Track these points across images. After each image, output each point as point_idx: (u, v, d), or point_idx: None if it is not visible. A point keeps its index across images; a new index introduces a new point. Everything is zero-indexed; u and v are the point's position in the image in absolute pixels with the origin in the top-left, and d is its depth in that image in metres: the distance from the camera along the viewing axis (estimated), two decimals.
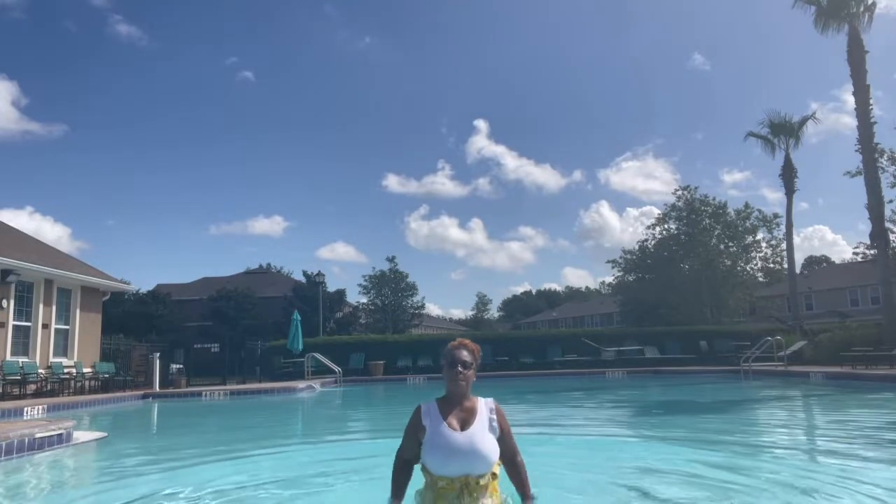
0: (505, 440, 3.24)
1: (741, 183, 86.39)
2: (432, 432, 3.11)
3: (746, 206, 36.62)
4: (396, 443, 3.27)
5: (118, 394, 16.31)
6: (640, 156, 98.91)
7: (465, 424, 3.14)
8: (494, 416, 3.22)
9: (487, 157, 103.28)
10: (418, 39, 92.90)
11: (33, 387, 15.56)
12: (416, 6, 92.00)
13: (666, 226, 37.80)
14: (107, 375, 17.89)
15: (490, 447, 3.10)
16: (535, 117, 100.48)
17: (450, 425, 3.12)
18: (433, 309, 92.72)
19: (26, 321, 16.33)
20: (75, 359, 17.63)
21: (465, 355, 3.23)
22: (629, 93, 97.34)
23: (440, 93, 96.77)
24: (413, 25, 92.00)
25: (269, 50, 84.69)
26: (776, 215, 35.69)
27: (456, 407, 3.20)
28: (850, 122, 71.11)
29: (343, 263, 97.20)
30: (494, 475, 3.13)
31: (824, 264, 70.51)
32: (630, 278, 41.33)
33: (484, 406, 3.25)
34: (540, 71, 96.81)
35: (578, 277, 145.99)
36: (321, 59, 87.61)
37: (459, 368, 3.19)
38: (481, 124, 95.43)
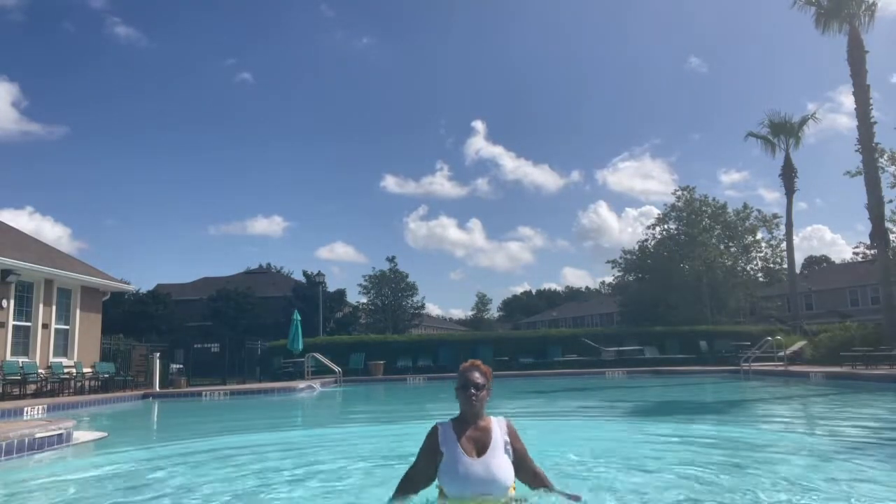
0: (522, 461, 3.30)
1: (739, 183, 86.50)
2: (449, 458, 3.15)
3: (745, 206, 36.65)
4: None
5: (118, 394, 16.32)
6: (638, 156, 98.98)
7: (481, 449, 3.18)
8: (508, 439, 3.27)
9: (485, 158, 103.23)
10: (416, 40, 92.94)
11: (33, 387, 15.55)
12: (413, 7, 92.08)
13: (666, 226, 37.80)
14: (107, 375, 17.88)
15: (506, 472, 3.16)
16: (533, 118, 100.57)
17: (466, 450, 3.16)
18: (433, 309, 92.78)
19: (26, 321, 16.32)
20: (75, 359, 17.63)
21: (477, 377, 3.28)
22: (626, 94, 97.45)
23: (438, 94, 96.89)
24: (411, 26, 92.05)
25: (268, 51, 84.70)
26: (775, 215, 35.70)
27: (470, 428, 3.25)
28: (846, 122, 71.29)
29: (342, 263, 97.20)
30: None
31: (824, 264, 70.52)
32: (630, 278, 41.28)
33: (498, 428, 3.29)
34: (538, 72, 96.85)
35: (578, 277, 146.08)
36: (319, 60, 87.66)
37: (472, 390, 3.24)
38: (479, 125, 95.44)
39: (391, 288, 52.19)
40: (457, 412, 3.36)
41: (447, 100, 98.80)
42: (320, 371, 22.72)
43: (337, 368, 22.06)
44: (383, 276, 52.26)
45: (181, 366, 24.42)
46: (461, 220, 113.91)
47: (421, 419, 11.50)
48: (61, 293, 17.66)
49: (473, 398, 3.23)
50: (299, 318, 23.85)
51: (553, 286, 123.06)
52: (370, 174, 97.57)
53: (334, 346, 25.93)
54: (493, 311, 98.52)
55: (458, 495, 3.10)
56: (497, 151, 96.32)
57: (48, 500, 4.58)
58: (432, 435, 3.27)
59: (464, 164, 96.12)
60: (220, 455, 6.69)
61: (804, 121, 30.27)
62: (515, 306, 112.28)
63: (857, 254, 54.42)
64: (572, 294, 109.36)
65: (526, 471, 3.31)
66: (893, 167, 25.00)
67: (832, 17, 22.26)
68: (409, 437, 8.10)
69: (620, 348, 25.87)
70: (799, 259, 45.12)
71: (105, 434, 8.03)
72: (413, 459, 3.33)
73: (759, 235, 36.19)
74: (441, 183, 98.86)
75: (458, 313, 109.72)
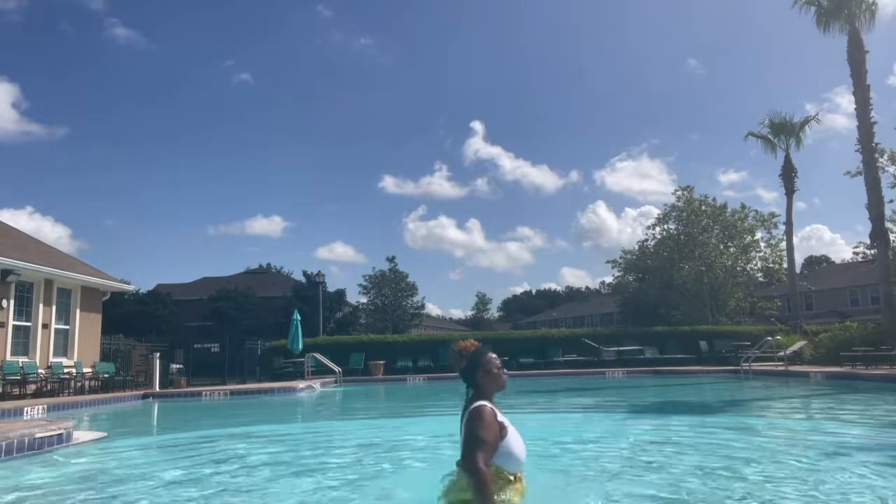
0: None
1: (737, 183, 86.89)
2: (511, 432, 3.16)
3: (742, 206, 36.58)
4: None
5: (118, 394, 16.30)
6: (636, 156, 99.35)
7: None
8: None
9: (484, 159, 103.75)
10: (414, 41, 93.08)
11: (33, 387, 15.55)
12: (411, 8, 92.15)
13: (665, 226, 37.73)
14: (107, 375, 17.87)
15: None
16: (531, 118, 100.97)
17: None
18: (432, 309, 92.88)
19: (26, 321, 16.32)
20: (75, 359, 17.62)
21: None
22: (624, 94, 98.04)
23: (436, 94, 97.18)
24: (409, 27, 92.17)
25: (267, 52, 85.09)
26: (773, 214, 35.68)
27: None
28: (843, 122, 71.75)
29: (342, 263, 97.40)
30: None
31: (824, 264, 70.54)
32: (630, 278, 41.23)
33: None
34: (536, 72, 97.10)
35: (577, 277, 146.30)
36: (318, 61, 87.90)
37: (505, 370, 3.37)
38: (478, 126, 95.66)
39: (391, 288, 52.14)
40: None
41: (446, 100, 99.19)
42: (320, 371, 22.71)
43: (337, 368, 22.05)
44: (383, 276, 52.23)
45: (181, 366, 24.41)
46: (460, 221, 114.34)
47: (421, 416, 11.51)
48: (61, 293, 17.65)
49: (506, 377, 3.35)
50: (299, 318, 23.85)
51: (553, 286, 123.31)
52: (369, 175, 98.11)
53: (334, 346, 25.91)
54: (493, 311, 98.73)
55: (517, 467, 3.16)
56: (496, 152, 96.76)
57: (48, 501, 4.57)
58: (491, 414, 3.10)
59: (463, 165, 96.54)
60: (220, 454, 6.69)
61: (806, 121, 30.26)
62: (515, 306, 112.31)
63: (857, 254, 54.54)
64: (572, 294, 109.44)
65: None
66: (893, 167, 25.01)
67: (832, 16, 22.26)
68: (410, 435, 8.11)
69: (620, 348, 25.86)
70: (799, 259, 45.16)
71: (105, 434, 8.02)
72: (475, 451, 2.91)
73: (757, 235, 36.17)
74: (440, 183, 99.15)
75: (458, 313, 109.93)
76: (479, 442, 2.95)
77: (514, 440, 3.13)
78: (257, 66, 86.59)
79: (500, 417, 3.15)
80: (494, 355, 3.36)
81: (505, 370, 3.34)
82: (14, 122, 73.11)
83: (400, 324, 50.57)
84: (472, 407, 3.13)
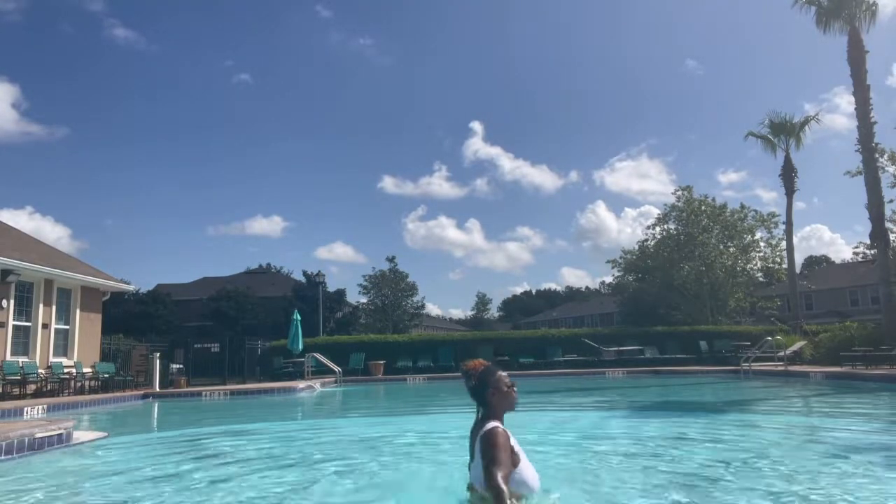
0: None
1: (736, 183, 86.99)
2: (523, 460, 3.09)
3: (742, 206, 36.55)
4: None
5: (118, 394, 16.30)
6: (635, 156, 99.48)
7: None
8: None
9: (483, 159, 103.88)
10: (413, 41, 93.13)
11: (33, 387, 15.55)
12: (410, 8, 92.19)
13: (665, 226, 37.69)
14: (107, 375, 17.86)
15: None
16: (531, 118, 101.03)
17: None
18: (432, 309, 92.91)
19: (26, 321, 16.32)
20: (75, 359, 17.62)
21: None
22: (623, 94, 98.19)
23: (436, 94, 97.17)
24: (408, 27, 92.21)
25: (266, 53, 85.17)
26: (773, 214, 35.65)
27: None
28: (843, 122, 71.88)
29: (341, 263, 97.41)
30: None
31: (824, 264, 70.52)
32: (630, 278, 41.19)
33: None
34: (535, 73, 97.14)
35: (576, 277, 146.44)
36: (317, 61, 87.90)
37: (515, 388, 3.29)
38: (477, 126, 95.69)
39: (391, 288, 52.08)
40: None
41: (445, 100, 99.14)
42: (320, 371, 22.71)
43: (337, 368, 22.05)
44: (383, 276, 52.17)
45: (181, 366, 24.36)
46: (460, 221, 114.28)
47: (422, 415, 11.51)
48: (61, 293, 17.65)
49: (517, 395, 3.29)
50: (299, 317, 23.84)
51: (552, 286, 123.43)
52: (369, 175, 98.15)
53: (334, 346, 25.90)
54: (493, 311, 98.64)
55: (533, 491, 3.09)
56: (495, 152, 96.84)
57: (48, 501, 4.57)
58: (504, 436, 3.07)
59: (462, 165, 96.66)
60: (220, 454, 6.69)
61: (806, 121, 30.22)
62: (515, 306, 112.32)
63: (857, 254, 54.49)
64: (572, 294, 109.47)
65: None
66: (893, 167, 25.00)
67: (832, 16, 22.26)
68: (410, 433, 8.11)
69: (620, 348, 25.86)
70: (799, 259, 45.13)
71: (105, 434, 8.02)
72: (493, 468, 2.91)
73: (757, 235, 36.14)
74: (439, 184, 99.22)
75: (458, 313, 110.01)
76: (497, 462, 2.92)
77: (527, 469, 3.07)
78: (257, 66, 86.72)
79: (513, 442, 3.09)
80: (504, 373, 3.27)
81: (515, 388, 3.23)
82: (14, 122, 73.24)
83: (400, 324, 50.52)
84: (485, 429, 3.07)
